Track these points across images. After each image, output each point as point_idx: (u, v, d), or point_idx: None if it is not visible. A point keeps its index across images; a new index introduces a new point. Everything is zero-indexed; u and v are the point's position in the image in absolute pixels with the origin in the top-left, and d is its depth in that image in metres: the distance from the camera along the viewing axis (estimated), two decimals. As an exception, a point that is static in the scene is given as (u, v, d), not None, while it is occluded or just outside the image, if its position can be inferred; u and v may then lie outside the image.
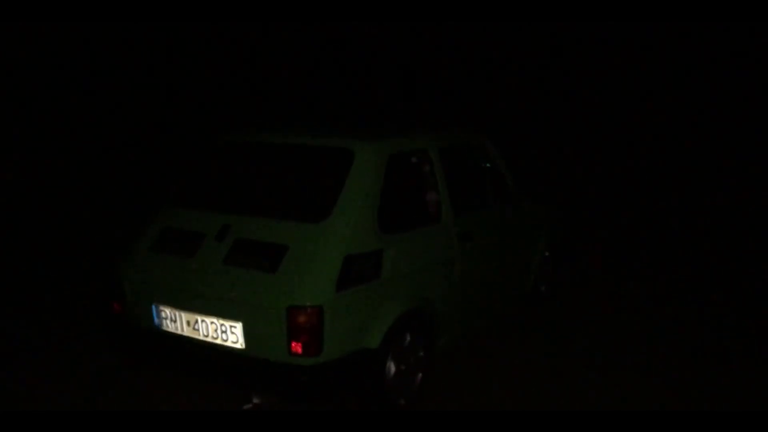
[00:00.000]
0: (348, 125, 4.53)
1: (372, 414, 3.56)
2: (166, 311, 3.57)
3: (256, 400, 3.44)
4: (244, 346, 3.33)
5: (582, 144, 13.32)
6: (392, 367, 3.59)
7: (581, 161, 12.50)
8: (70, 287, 6.02)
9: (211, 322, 3.40)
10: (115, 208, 8.99)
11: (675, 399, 3.96)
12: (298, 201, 3.75)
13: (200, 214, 3.80)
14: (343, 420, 3.53)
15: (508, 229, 4.84)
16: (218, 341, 3.41)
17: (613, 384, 4.17)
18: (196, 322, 3.46)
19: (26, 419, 3.51)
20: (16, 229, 8.17)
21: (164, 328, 3.61)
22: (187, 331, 3.52)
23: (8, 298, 5.77)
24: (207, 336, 3.44)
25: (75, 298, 5.68)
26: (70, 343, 4.77)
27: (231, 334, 3.35)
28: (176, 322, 3.55)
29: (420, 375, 3.84)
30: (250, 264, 3.39)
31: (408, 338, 3.70)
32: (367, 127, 4.43)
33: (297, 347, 3.17)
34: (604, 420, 3.58)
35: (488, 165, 4.72)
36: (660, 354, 4.62)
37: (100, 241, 7.44)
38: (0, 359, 4.49)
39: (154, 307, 3.62)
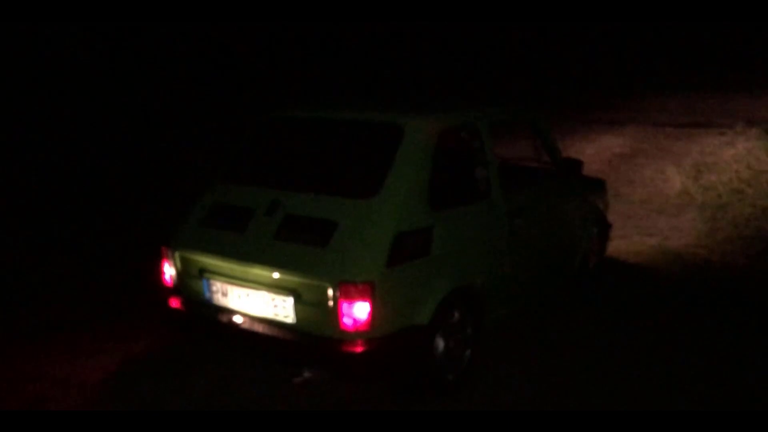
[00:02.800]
0: (397, 101, 4.50)
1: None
2: (217, 285, 3.62)
3: (307, 374, 3.48)
4: (294, 321, 3.37)
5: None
6: (441, 344, 3.59)
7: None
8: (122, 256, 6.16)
9: (262, 296, 3.44)
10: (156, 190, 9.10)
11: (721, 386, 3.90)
12: (348, 177, 3.75)
13: (250, 190, 3.82)
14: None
15: (556, 206, 4.78)
16: (269, 315, 3.45)
17: (665, 366, 4.11)
18: (247, 295, 3.50)
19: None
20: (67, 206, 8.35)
21: (215, 301, 3.66)
22: (237, 305, 3.57)
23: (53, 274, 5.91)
24: (258, 310, 3.49)
25: (125, 270, 5.79)
26: (117, 317, 4.88)
27: (282, 309, 3.39)
28: (227, 295, 3.60)
29: (468, 351, 3.84)
30: (300, 239, 3.41)
31: (457, 315, 3.69)
32: (416, 103, 4.39)
33: (347, 323, 3.19)
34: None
35: (537, 141, 4.65)
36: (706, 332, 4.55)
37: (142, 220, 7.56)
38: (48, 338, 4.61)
39: (205, 281, 3.67)
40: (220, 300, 3.63)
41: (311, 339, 3.33)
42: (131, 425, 3.42)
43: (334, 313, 3.21)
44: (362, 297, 3.15)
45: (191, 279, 3.75)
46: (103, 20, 11.84)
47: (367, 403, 3.67)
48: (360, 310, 3.16)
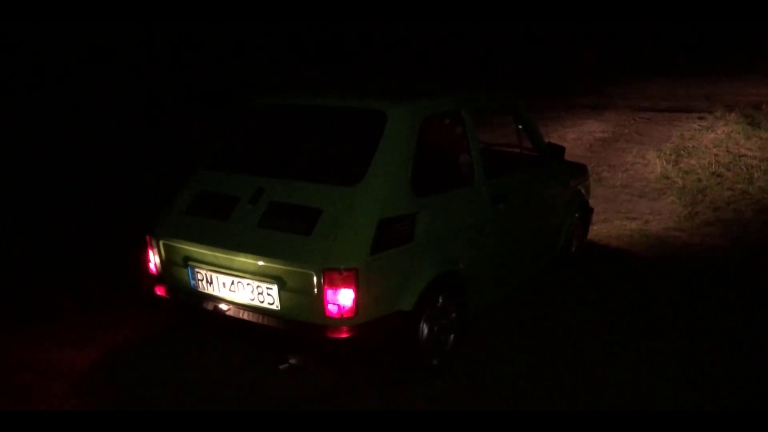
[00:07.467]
0: (381, 88, 4.50)
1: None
2: (202, 273, 3.62)
3: (292, 360, 3.50)
4: (279, 308, 3.38)
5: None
6: (425, 329, 3.62)
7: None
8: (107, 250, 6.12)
9: (247, 284, 3.45)
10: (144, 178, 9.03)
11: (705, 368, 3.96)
12: (332, 164, 3.75)
13: (234, 178, 3.82)
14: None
15: (539, 191, 4.81)
16: (254, 303, 3.46)
17: (648, 347, 4.16)
18: (232, 283, 3.51)
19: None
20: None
21: (200, 289, 3.66)
22: (222, 293, 3.57)
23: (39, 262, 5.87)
24: (243, 298, 3.50)
25: (110, 261, 5.77)
26: (103, 306, 4.86)
27: (267, 296, 3.40)
28: (212, 283, 3.60)
29: (452, 336, 3.88)
30: (284, 227, 3.42)
31: (441, 300, 3.72)
32: (399, 89, 4.40)
33: (332, 309, 3.21)
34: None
35: (520, 126, 4.68)
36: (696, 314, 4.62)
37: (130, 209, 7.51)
38: (35, 327, 4.60)
39: (190, 269, 3.67)
40: (206, 288, 3.63)
41: (296, 326, 3.34)
42: (118, 423, 3.41)
43: (319, 300, 3.23)
44: (346, 284, 3.17)
45: (176, 267, 3.75)
46: (98, 20, 11.81)
47: (352, 389, 3.70)
48: (344, 297, 3.18)
